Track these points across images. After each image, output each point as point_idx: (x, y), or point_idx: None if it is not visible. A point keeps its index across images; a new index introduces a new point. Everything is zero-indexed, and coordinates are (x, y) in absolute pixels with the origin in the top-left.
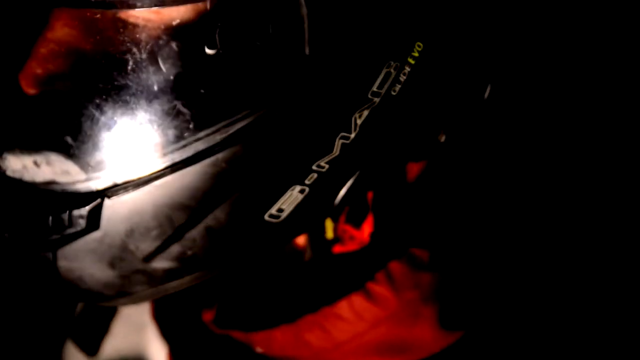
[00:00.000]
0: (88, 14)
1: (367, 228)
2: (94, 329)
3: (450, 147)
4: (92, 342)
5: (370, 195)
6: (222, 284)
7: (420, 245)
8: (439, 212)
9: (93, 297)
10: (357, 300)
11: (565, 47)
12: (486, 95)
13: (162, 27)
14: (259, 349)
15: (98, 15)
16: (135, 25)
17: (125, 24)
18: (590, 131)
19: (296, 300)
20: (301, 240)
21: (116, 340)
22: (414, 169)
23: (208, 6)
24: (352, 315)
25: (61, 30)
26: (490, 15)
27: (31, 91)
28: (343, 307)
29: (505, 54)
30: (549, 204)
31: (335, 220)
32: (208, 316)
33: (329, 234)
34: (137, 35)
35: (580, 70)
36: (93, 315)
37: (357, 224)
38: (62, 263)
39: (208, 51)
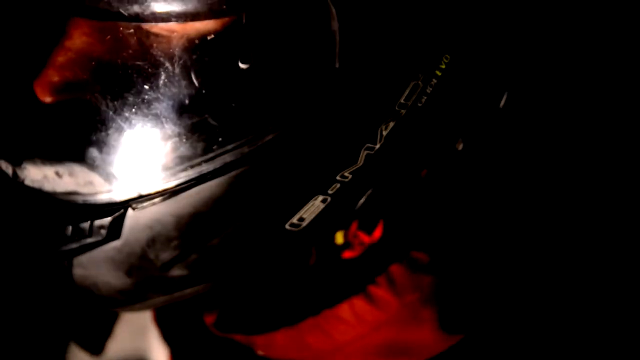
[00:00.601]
0: (109, 24)
1: (378, 234)
2: (97, 329)
3: (466, 154)
4: (96, 342)
5: None
6: (224, 287)
7: (420, 249)
8: (439, 216)
9: (106, 303)
10: (358, 303)
11: (578, 55)
12: (502, 104)
13: (188, 40)
14: (260, 352)
15: (120, 27)
16: (158, 37)
17: (149, 35)
18: (599, 140)
19: (297, 303)
20: None
21: (118, 343)
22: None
23: (244, 20)
24: (353, 318)
25: (80, 39)
26: (507, 25)
27: (46, 99)
28: (344, 309)
29: (520, 63)
30: (549, 207)
31: (346, 227)
32: (210, 319)
33: (339, 239)
34: (161, 47)
35: (594, 80)
36: (97, 315)
37: (370, 230)
38: (78, 271)
39: (241, 65)
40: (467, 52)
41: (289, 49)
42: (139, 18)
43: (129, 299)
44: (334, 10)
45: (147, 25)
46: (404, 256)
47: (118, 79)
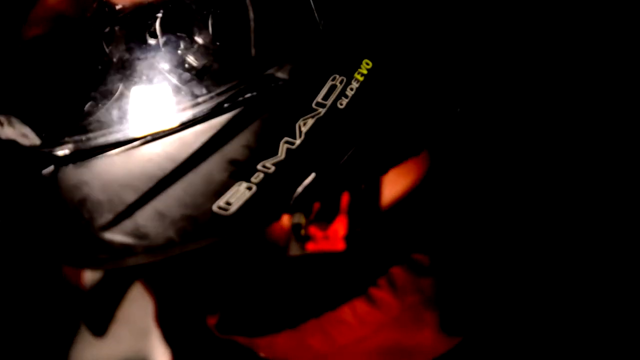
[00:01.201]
0: None
1: (340, 230)
2: (102, 318)
3: (448, 155)
4: (99, 332)
5: (345, 198)
6: (225, 288)
7: (421, 251)
8: (439, 218)
9: (63, 257)
10: (360, 305)
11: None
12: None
13: (118, 7)
14: (262, 354)
15: None
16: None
17: None
18: (583, 135)
19: (299, 306)
20: (282, 233)
21: (120, 345)
22: (400, 179)
23: None
24: (355, 320)
25: None
26: (446, 35)
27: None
28: (346, 312)
29: (476, 69)
30: (547, 207)
31: (306, 219)
32: (212, 321)
33: (302, 231)
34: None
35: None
36: (102, 296)
37: (325, 223)
38: (34, 220)
39: (149, 40)
40: (391, 60)
41: (197, 31)
42: None
43: (78, 257)
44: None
45: None
46: (404, 258)
47: (67, 38)
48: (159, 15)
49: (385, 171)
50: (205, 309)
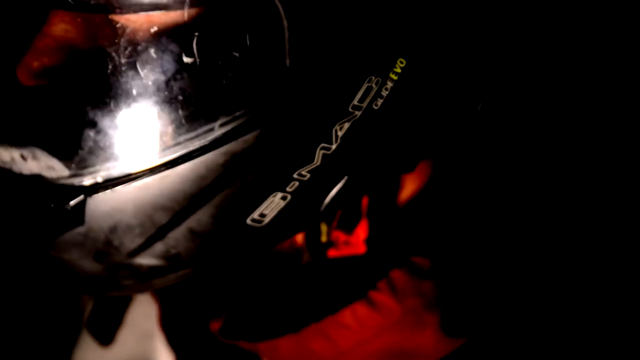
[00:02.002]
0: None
1: (362, 234)
2: (108, 319)
3: (450, 159)
4: (106, 332)
5: (364, 201)
6: (229, 293)
7: (421, 254)
8: (439, 221)
9: (84, 288)
10: (361, 308)
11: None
12: (479, 107)
13: (148, 32)
14: (265, 359)
15: (91, 16)
16: (123, 28)
17: (114, 26)
18: (587, 137)
19: (300, 310)
20: (299, 241)
21: (123, 349)
22: (415, 180)
23: (185, 16)
24: (356, 324)
25: (57, 27)
26: (477, 32)
27: (27, 83)
28: (346, 315)
29: (498, 68)
30: (548, 209)
31: (328, 225)
32: (215, 326)
33: (324, 237)
34: (123, 38)
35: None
36: (107, 305)
37: (349, 229)
38: (53, 253)
39: (185, 59)
40: (425, 58)
41: (236, 45)
42: (100, 8)
43: (102, 285)
44: (280, 7)
45: (115, 17)
46: (405, 261)
47: (83, 65)
48: (196, 34)
49: (410, 170)
50: (210, 314)
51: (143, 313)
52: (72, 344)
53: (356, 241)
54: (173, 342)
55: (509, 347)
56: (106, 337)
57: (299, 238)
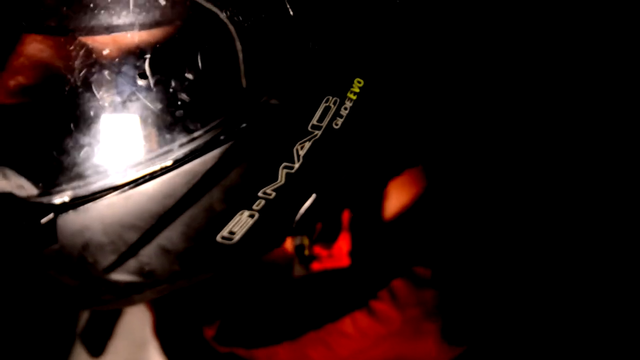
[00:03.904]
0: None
1: (344, 246)
2: (99, 330)
3: (446, 167)
4: (97, 343)
5: (345, 215)
6: (224, 301)
7: (422, 263)
8: (440, 230)
9: (67, 303)
10: (361, 317)
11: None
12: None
13: (106, 54)
14: None
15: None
16: (86, 50)
17: (82, 46)
18: (584, 142)
19: (299, 317)
20: (287, 255)
21: (117, 356)
22: (406, 191)
23: (137, 38)
24: (356, 332)
25: (31, 46)
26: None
27: (4, 101)
28: (346, 324)
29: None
30: (547, 216)
31: (310, 239)
32: (210, 333)
33: (306, 251)
34: (84, 59)
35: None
36: (99, 316)
37: (329, 242)
38: (32, 269)
39: (139, 81)
40: (382, 75)
41: (189, 66)
42: (76, 32)
43: (82, 301)
44: (233, 29)
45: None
46: (406, 271)
47: (58, 86)
48: (147, 56)
49: (384, 185)
50: (204, 321)
51: (137, 321)
52: (66, 356)
53: (338, 254)
54: (167, 349)
55: (508, 355)
56: (99, 348)
57: (286, 254)
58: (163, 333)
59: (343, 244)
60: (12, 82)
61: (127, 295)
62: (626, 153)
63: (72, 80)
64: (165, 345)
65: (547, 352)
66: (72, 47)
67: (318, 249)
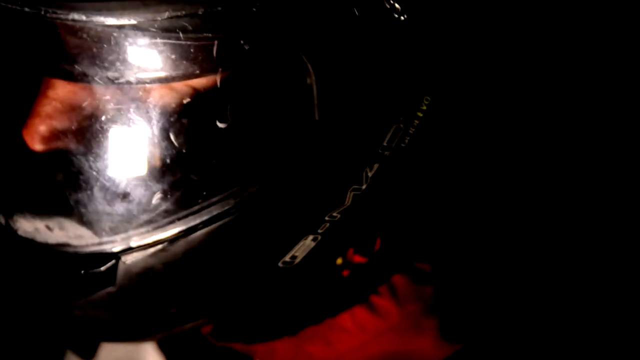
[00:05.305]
0: None
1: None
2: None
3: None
4: (88, 346)
5: None
6: (221, 297)
7: (422, 259)
8: (441, 227)
9: (108, 339)
10: (360, 312)
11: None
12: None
13: (165, 101)
14: None
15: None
16: (138, 96)
17: (129, 93)
18: (584, 147)
19: (298, 312)
20: None
21: (112, 351)
22: None
23: (218, 82)
24: (355, 327)
25: (63, 89)
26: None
27: (37, 147)
28: (346, 319)
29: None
30: (548, 213)
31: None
32: (207, 328)
33: (338, 260)
34: (141, 107)
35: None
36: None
37: (368, 254)
38: (78, 313)
39: (219, 125)
40: (448, 91)
41: (267, 105)
42: (112, 82)
43: (129, 336)
44: (309, 65)
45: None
46: (406, 267)
47: (101, 134)
48: (230, 101)
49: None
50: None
51: None
52: (61, 352)
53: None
54: (163, 345)
55: (507, 352)
56: (88, 351)
57: None
58: None
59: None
60: (44, 128)
61: (177, 326)
62: (626, 153)
63: (123, 130)
64: (161, 341)
65: (546, 350)
66: (126, 93)
67: (358, 258)
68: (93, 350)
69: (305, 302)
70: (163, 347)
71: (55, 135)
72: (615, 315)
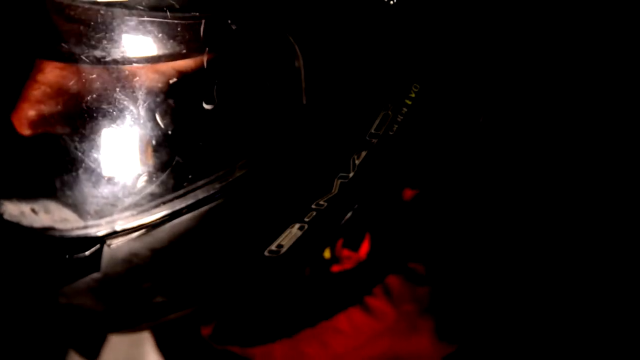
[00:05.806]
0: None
1: (365, 248)
2: (93, 335)
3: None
4: (92, 348)
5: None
6: (221, 299)
7: (417, 260)
8: (435, 228)
9: (94, 328)
10: (356, 314)
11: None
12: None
13: (152, 81)
14: None
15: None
16: (126, 76)
17: (116, 74)
18: (583, 150)
19: (295, 315)
20: None
21: (113, 354)
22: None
23: (204, 63)
24: (351, 329)
25: (52, 73)
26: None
27: (26, 132)
28: (342, 320)
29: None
30: (544, 212)
31: (328, 246)
32: (206, 331)
33: (326, 254)
34: (128, 87)
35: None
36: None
37: (355, 247)
38: (62, 300)
39: (206, 106)
40: (436, 80)
41: (254, 88)
42: (99, 62)
43: (114, 327)
44: (297, 48)
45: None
46: (400, 267)
47: (89, 117)
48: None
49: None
50: (200, 319)
51: None
52: (63, 353)
53: (358, 255)
54: (163, 348)
55: (502, 352)
56: (95, 346)
57: None
58: (159, 331)
59: (365, 245)
60: (33, 112)
61: (163, 316)
62: (625, 153)
63: (119, 107)
64: (161, 343)
65: (541, 349)
66: (102, 76)
67: (346, 252)
68: (96, 351)
69: (299, 303)
70: (163, 350)
71: (44, 119)
72: (611, 315)
